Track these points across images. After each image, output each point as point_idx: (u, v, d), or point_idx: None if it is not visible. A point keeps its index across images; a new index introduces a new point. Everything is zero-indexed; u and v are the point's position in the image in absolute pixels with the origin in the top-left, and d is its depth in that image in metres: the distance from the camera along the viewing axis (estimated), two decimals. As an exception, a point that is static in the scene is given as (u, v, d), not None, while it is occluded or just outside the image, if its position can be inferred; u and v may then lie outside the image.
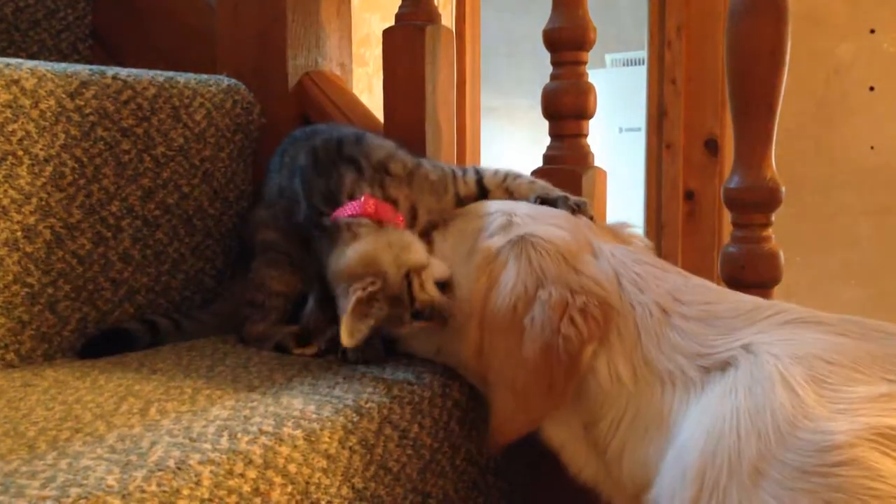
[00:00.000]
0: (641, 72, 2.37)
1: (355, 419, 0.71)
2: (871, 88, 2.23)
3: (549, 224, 0.76)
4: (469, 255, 0.77)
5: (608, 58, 4.28)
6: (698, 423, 0.60)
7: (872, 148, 2.24)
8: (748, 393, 0.57)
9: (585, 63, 0.98)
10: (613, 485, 0.70)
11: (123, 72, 0.96)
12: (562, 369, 0.67)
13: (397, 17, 1.05)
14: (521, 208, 0.81)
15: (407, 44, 1.03)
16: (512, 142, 4.64)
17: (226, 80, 1.08)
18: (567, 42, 0.94)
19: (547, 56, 0.97)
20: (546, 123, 0.99)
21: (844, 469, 0.49)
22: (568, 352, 0.67)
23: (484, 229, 0.78)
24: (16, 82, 0.85)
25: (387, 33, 1.04)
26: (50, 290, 0.87)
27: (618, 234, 0.81)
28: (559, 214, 0.80)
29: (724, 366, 0.62)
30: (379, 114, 1.10)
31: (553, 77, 0.97)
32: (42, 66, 0.88)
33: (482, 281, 0.73)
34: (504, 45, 4.57)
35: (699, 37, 2.09)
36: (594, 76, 1.00)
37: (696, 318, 0.67)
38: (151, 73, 1.00)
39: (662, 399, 0.65)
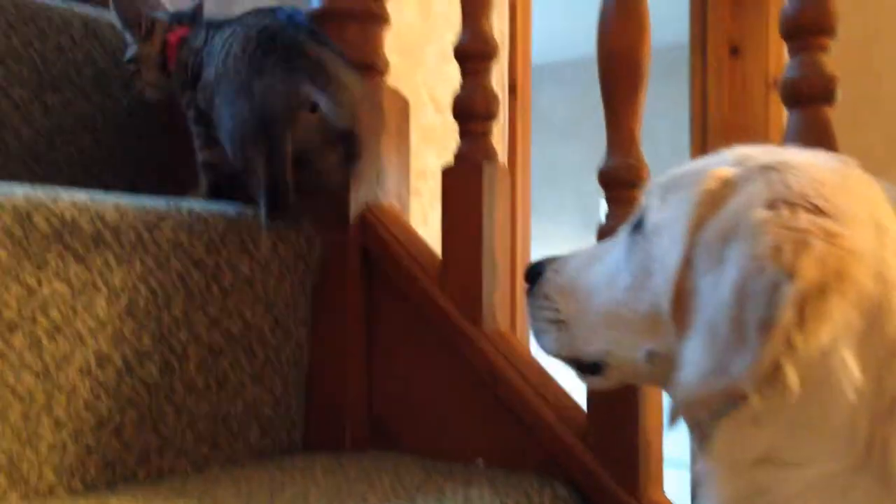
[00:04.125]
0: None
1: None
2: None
3: (807, 154, 0.60)
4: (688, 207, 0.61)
5: (647, 185, 4.35)
6: None
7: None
8: None
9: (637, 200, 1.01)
10: None
11: (197, 205, 1.01)
12: (755, 317, 0.49)
13: (456, 155, 1.09)
14: (755, 150, 0.63)
15: (465, 181, 1.07)
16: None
17: (289, 213, 1.12)
18: (623, 181, 0.97)
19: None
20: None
21: None
22: (767, 291, 0.49)
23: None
24: (100, 216, 0.89)
25: (446, 171, 1.09)
26: (117, 417, 0.89)
27: None
28: (822, 155, 0.61)
29: None
30: (434, 244, 1.13)
31: (607, 214, 1.00)
32: (124, 200, 0.93)
33: (699, 212, 0.57)
34: (546, 172, 4.67)
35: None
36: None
37: None
38: (222, 205, 1.05)
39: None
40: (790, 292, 0.48)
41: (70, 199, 0.88)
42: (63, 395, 0.85)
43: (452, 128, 1.11)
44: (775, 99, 1.99)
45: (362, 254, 1.12)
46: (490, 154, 1.10)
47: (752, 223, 0.52)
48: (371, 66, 1.15)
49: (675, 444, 0.94)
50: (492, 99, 1.09)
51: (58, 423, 0.85)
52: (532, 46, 1.83)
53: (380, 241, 1.11)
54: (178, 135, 1.20)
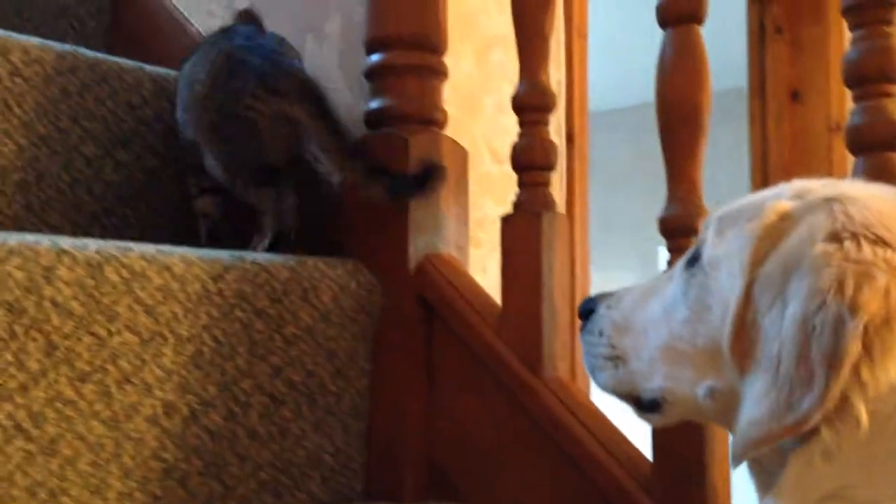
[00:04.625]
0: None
1: None
2: None
3: (867, 187, 0.59)
4: (747, 241, 0.61)
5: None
6: None
7: None
8: None
9: (698, 247, 1.00)
10: None
11: (260, 256, 1.03)
12: (820, 352, 0.49)
13: (515, 204, 1.10)
14: (814, 184, 0.62)
15: (524, 230, 1.07)
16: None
17: (350, 263, 1.14)
18: (684, 230, 0.97)
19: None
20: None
21: None
22: (831, 326, 0.48)
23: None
24: (167, 268, 0.92)
25: (505, 220, 1.09)
26: (183, 465, 0.90)
27: None
28: (881, 187, 0.61)
29: None
30: (493, 293, 1.13)
31: (669, 262, 0.99)
32: (191, 252, 0.96)
33: (758, 245, 0.57)
34: (603, 219, 4.65)
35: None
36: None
37: None
38: (284, 256, 1.07)
39: None
40: (855, 326, 0.48)
41: (139, 251, 0.91)
42: (131, 443, 0.87)
43: (510, 177, 1.12)
44: (839, 144, 1.96)
45: (422, 303, 1.13)
46: (549, 203, 1.10)
47: (814, 256, 0.52)
48: (430, 120, 1.17)
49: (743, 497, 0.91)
50: (550, 149, 1.09)
51: (126, 472, 0.86)
52: (588, 95, 1.85)
53: (439, 291, 1.12)
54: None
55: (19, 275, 0.80)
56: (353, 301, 1.10)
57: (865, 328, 0.49)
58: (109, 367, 0.86)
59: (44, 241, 0.85)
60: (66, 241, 0.86)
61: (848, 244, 0.52)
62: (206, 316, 0.94)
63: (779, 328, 0.52)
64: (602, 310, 0.76)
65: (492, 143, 1.48)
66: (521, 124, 1.10)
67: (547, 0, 1.08)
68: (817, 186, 0.61)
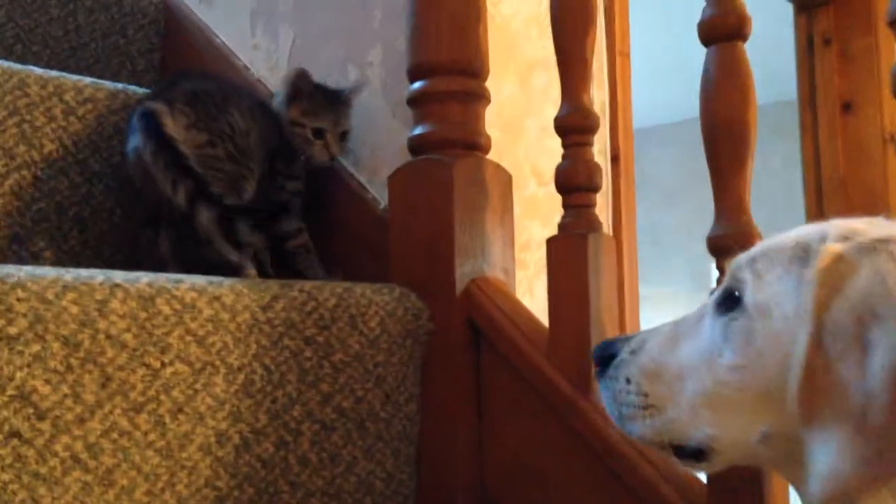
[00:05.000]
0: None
1: None
2: None
3: None
4: (799, 285, 0.61)
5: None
6: None
7: None
8: None
9: (750, 267, 0.98)
10: None
11: (308, 284, 1.05)
12: None
13: (560, 226, 1.10)
14: (858, 223, 0.63)
15: (570, 252, 1.07)
16: (663, 330, 4.57)
17: (397, 289, 1.14)
18: (733, 249, 0.95)
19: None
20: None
21: None
22: None
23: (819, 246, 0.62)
24: (217, 298, 0.93)
25: (551, 242, 1.09)
26: (236, 493, 0.91)
27: None
28: None
29: None
30: (540, 315, 1.13)
31: (718, 282, 0.98)
32: (240, 283, 0.97)
33: (819, 292, 0.58)
34: (653, 235, 4.61)
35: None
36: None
37: None
38: (331, 283, 1.08)
39: None
40: None
41: (190, 283, 0.93)
42: (185, 472, 0.88)
43: (555, 199, 1.12)
44: (894, 154, 1.92)
45: (469, 327, 1.13)
46: (594, 224, 1.10)
47: (893, 305, 0.53)
48: (474, 144, 1.17)
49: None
50: (594, 170, 1.09)
51: (180, 501, 0.88)
52: (633, 113, 1.84)
53: (486, 314, 1.11)
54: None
55: (74, 309, 0.82)
56: (401, 326, 1.10)
57: None
58: (163, 397, 0.88)
59: (98, 275, 0.87)
60: (119, 275, 0.88)
61: None
62: (256, 345, 0.96)
63: (859, 377, 0.53)
64: (625, 355, 0.73)
65: (536, 166, 1.48)
66: (565, 146, 1.10)
67: (587, 22, 1.08)
68: (862, 226, 0.61)
